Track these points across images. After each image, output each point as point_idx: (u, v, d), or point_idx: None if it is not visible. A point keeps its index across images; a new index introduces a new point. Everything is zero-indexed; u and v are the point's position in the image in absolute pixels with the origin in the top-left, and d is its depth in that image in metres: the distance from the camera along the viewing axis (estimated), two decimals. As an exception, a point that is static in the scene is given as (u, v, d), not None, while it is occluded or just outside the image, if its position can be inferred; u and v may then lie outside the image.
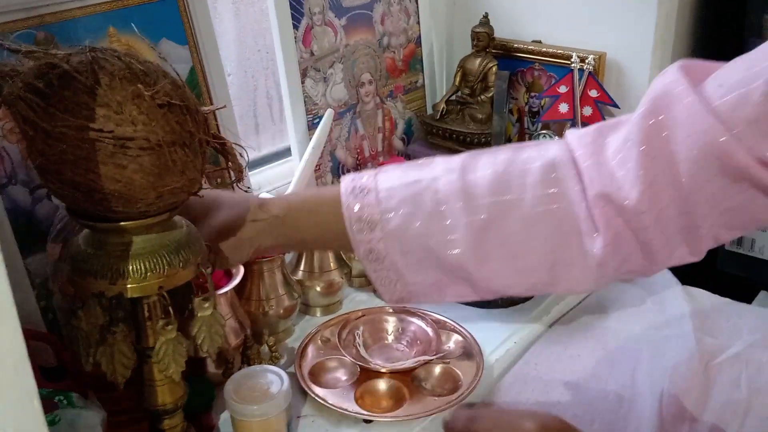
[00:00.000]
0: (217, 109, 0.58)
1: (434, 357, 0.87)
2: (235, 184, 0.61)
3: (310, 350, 0.91)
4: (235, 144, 0.59)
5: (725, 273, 1.22)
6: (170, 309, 0.60)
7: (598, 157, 0.63)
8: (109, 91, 0.51)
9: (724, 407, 0.83)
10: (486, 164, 0.66)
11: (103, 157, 0.51)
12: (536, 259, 0.64)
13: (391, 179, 0.67)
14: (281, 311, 0.92)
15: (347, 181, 0.68)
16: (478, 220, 0.64)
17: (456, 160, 0.67)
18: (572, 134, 0.66)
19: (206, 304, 0.62)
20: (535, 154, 0.66)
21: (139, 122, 0.51)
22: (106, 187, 0.52)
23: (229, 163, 0.62)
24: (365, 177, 0.68)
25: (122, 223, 0.55)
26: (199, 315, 0.62)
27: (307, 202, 0.72)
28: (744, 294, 1.16)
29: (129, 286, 0.57)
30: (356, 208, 0.66)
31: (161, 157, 0.52)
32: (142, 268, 0.57)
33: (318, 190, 0.73)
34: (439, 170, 0.66)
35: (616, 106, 1.15)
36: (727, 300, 1.05)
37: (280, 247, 0.75)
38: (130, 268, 0.56)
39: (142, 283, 0.57)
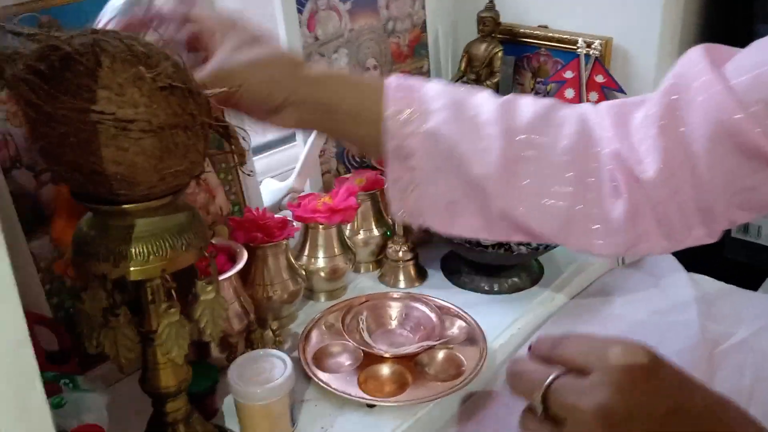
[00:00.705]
0: (219, 92, 0.58)
1: (437, 342, 0.87)
2: (238, 168, 0.61)
3: (314, 335, 0.91)
4: (239, 127, 0.59)
5: (731, 260, 1.21)
6: (173, 292, 0.60)
7: (623, 128, 0.65)
8: (111, 73, 0.51)
9: (728, 394, 0.83)
10: (528, 104, 0.67)
11: (105, 139, 0.51)
12: (556, 205, 0.65)
13: (438, 88, 0.66)
14: (285, 296, 0.92)
15: (394, 77, 0.67)
16: (510, 150, 0.64)
17: (499, 97, 0.68)
18: (603, 104, 0.69)
19: (209, 288, 0.62)
20: (572, 112, 0.67)
21: (140, 104, 0.51)
22: (108, 170, 0.52)
23: (232, 146, 0.62)
24: (413, 79, 0.67)
25: (125, 206, 0.55)
26: (202, 298, 0.62)
27: (351, 77, 0.70)
28: (750, 281, 1.16)
29: (132, 268, 0.57)
30: (398, 98, 0.65)
31: (163, 140, 0.52)
32: (145, 250, 0.57)
33: (361, 76, 0.70)
34: (484, 96, 0.67)
35: (622, 91, 1.14)
36: (733, 287, 1.05)
37: (308, 111, 0.66)
38: (133, 250, 0.56)
39: (145, 266, 0.57)
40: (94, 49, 0.51)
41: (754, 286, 1.20)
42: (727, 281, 1.06)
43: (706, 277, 1.06)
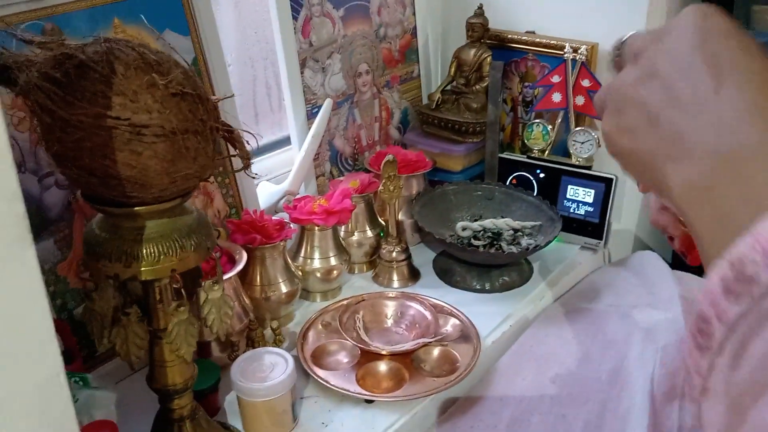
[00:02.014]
0: (225, 98, 0.60)
1: (433, 339, 0.90)
2: (244, 171, 0.63)
3: (312, 334, 0.93)
4: (245, 131, 0.61)
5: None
6: (182, 291, 0.62)
7: None
8: (125, 81, 0.53)
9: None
10: None
11: (120, 144, 0.53)
12: None
13: None
14: (283, 296, 0.95)
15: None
16: None
17: None
18: None
19: (216, 287, 0.64)
20: None
21: (154, 110, 0.53)
22: (122, 173, 0.54)
23: (237, 150, 0.64)
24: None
25: (136, 208, 0.57)
26: (209, 297, 0.64)
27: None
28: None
29: (143, 269, 0.59)
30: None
31: (175, 144, 0.54)
32: (156, 251, 0.59)
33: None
34: None
35: (608, 95, 1.17)
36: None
37: None
38: (144, 251, 0.58)
39: (156, 266, 0.59)
40: (108, 57, 0.54)
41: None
42: (710, 278, 1.09)
43: (691, 275, 1.09)
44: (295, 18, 1.06)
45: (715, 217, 0.38)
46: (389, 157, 1.03)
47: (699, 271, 1.00)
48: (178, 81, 0.54)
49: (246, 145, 0.64)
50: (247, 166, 0.64)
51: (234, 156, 0.63)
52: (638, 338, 0.94)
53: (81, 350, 0.82)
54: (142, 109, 0.53)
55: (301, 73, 1.08)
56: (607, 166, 1.21)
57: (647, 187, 0.46)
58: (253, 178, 0.65)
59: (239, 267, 0.87)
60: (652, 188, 0.43)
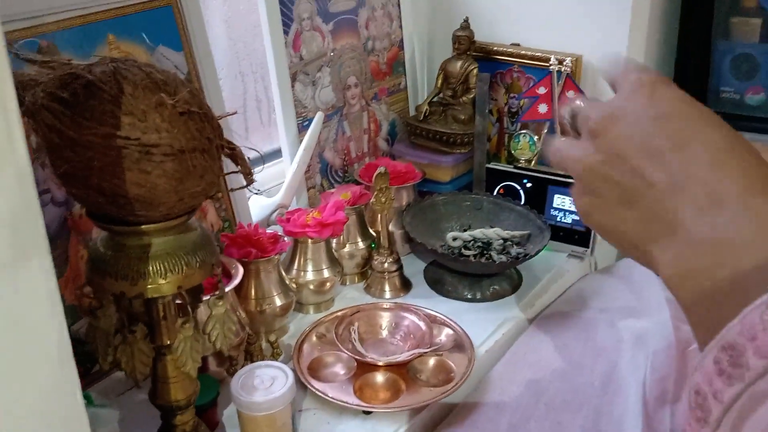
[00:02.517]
0: (229, 115, 0.61)
1: (428, 350, 0.91)
2: (247, 189, 0.63)
3: (307, 346, 0.94)
4: (246, 147, 0.62)
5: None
6: (188, 308, 0.62)
7: None
8: (133, 100, 0.54)
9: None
10: None
11: (129, 163, 0.53)
12: None
13: None
14: (277, 309, 0.95)
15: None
16: None
17: None
18: None
19: (220, 303, 0.65)
20: None
21: (162, 130, 0.54)
22: (130, 192, 0.54)
23: (239, 167, 0.64)
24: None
25: (143, 227, 0.58)
26: (213, 313, 0.65)
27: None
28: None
29: (149, 286, 0.59)
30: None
31: (183, 163, 0.55)
32: (162, 268, 0.59)
33: None
34: None
35: (592, 106, 1.20)
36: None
37: None
38: (151, 269, 0.59)
39: (162, 284, 0.59)
40: (115, 77, 0.54)
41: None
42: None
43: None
44: (285, 32, 1.07)
45: (703, 298, 0.40)
46: (381, 169, 1.04)
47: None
48: (185, 100, 0.55)
49: (247, 161, 0.65)
50: (250, 182, 0.64)
51: (235, 173, 0.64)
52: (628, 344, 0.96)
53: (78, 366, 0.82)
54: (152, 128, 0.53)
55: (292, 86, 1.09)
56: (592, 175, 1.23)
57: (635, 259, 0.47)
58: (256, 193, 0.66)
59: (236, 281, 0.87)
60: (640, 262, 0.45)
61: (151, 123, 0.54)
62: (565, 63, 1.18)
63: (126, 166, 0.53)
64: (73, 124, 0.53)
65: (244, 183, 0.64)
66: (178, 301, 0.65)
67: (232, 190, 0.72)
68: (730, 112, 1.27)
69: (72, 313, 0.82)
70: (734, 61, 1.25)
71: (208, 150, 0.57)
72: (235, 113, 0.61)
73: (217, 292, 0.65)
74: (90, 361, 0.83)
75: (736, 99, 1.26)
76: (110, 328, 0.64)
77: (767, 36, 1.21)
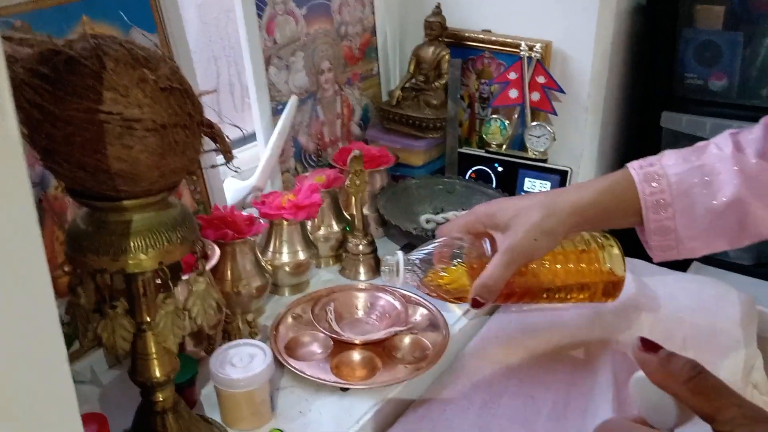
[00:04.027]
0: (208, 93, 0.61)
1: (404, 328, 0.92)
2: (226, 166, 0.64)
3: (284, 327, 0.95)
4: (231, 123, 0.63)
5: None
6: (170, 283, 0.63)
7: None
8: (115, 76, 0.54)
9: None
10: (750, 143, 0.78)
11: (111, 138, 0.54)
12: None
13: (676, 165, 0.79)
14: (253, 291, 0.96)
15: (636, 168, 0.81)
16: (748, 179, 0.76)
17: (726, 143, 0.79)
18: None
19: (200, 279, 0.66)
20: None
21: (144, 105, 0.54)
22: (112, 167, 0.55)
23: (218, 145, 0.65)
24: (655, 165, 0.80)
25: (124, 202, 0.58)
26: (194, 289, 0.65)
27: (601, 202, 0.82)
28: (678, 265, 1.26)
29: (131, 261, 0.59)
30: (649, 192, 0.79)
31: (165, 138, 0.56)
32: (143, 244, 0.60)
33: (606, 184, 0.82)
34: (714, 152, 0.79)
35: (562, 91, 1.23)
36: (665, 269, 1.14)
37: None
38: (132, 244, 0.59)
39: (144, 259, 0.60)
40: (97, 53, 0.54)
41: (683, 268, 1.31)
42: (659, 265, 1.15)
43: (642, 261, 1.15)
44: (259, 16, 1.07)
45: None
46: (356, 152, 1.05)
47: (649, 258, 1.06)
48: (167, 76, 0.56)
49: (226, 139, 0.66)
50: (229, 159, 0.65)
51: (214, 151, 0.65)
52: (597, 321, 0.98)
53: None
54: (134, 103, 0.54)
55: (266, 70, 1.09)
56: (562, 159, 1.26)
57: None
58: (235, 171, 0.67)
59: (213, 262, 0.88)
60: None
61: (133, 98, 0.54)
62: (535, 49, 1.20)
63: (108, 141, 0.54)
64: (54, 99, 0.53)
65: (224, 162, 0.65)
66: (158, 281, 0.65)
67: (213, 166, 0.72)
68: (695, 97, 1.31)
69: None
70: (698, 47, 1.28)
71: (189, 126, 0.58)
72: (214, 91, 0.62)
73: (197, 269, 0.66)
74: (67, 342, 0.83)
75: (699, 85, 1.30)
76: (91, 305, 0.64)
77: (730, 23, 1.25)
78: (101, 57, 0.54)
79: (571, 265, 0.88)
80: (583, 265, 0.89)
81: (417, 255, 0.87)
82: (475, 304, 0.81)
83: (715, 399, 0.47)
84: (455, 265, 0.85)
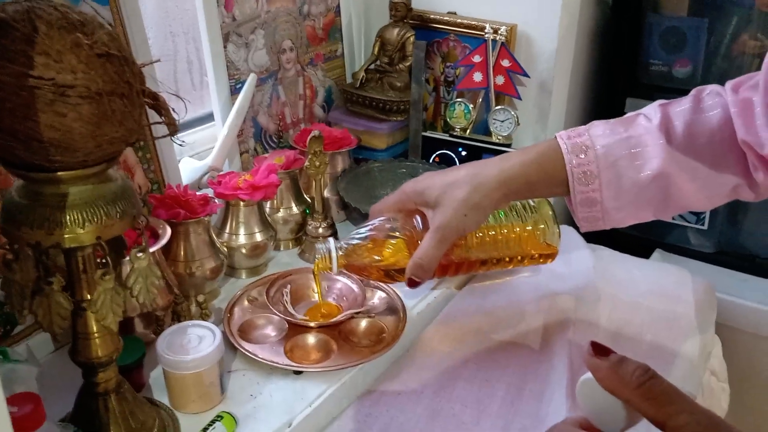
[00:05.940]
0: (151, 63, 0.59)
1: (360, 311, 0.91)
2: (170, 138, 0.62)
3: (238, 309, 0.93)
4: (178, 96, 0.60)
5: (624, 233, 1.31)
6: (108, 259, 0.61)
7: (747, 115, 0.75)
8: (48, 40, 0.51)
9: (625, 345, 0.92)
10: (678, 115, 0.78)
11: (43, 105, 0.51)
12: (723, 180, 0.77)
13: (604, 136, 0.78)
14: (207, 272, 0.94)
15: (565, 138, 0.79)
16: (674, 152, 0.76)
17: (655, 115, 0.78)
18: (728, 89, 0.77)
19: (142, 255, 0.64)
20: (713, 104, 0.78)
21: (78, 71, 0.52)
22: (45, 135, 0.52)
23: (162, 117, 0.63)
24: (583, 136, 0.79)
25: (59, 173, 0.56)
26: (135, 266, 0.63)
27: (527, 174, 0.80)
28: (641, 252, 1.26)
29: (66, 236, 0.57)
30: (576, 164, 0.77)
31: (100, 106, 0.53)
32: (80, 218, 0.57)
33: (532, 156, 0.80)
34: (642, 124, 0.78)
35: (526, 75, 1.22)
36: (627, 255, 1.14)
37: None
38: (68, 218, 0.57)
39: (80, 234, 0.58)
40: (29, 16, 0.52)
41: (645, 255, 1.31)
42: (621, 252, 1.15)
43: (604, 248, 1.15)
44: (218, -9, 1.05)
45: None
46: (315, 132, 1.03)
47: (612, 245, 1.06)
48: (103, 42, 0.53)
49: (172, 112, 0.63)
50: (173, 132, 0.63)
51: (159, 123, 0.62)
52: (554, 307, 0.98)
53: (-2, 327, 0.79)
54: (67, 69, 0.52)
55: (224, 47, 1.07)
56: (526, 143, 1.25)
57: None
58: (181, 145, 0.64)
59: (163, 241, 0.85)
60: None
61: (67, 64, 0.52)
62: (499, 32, 1.19)
63: (39, 108, 0.51)
64: (-17, 63, 0.51)
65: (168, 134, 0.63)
66: (103, 260, 0.63)
67: (157, 138, 0.70)
68: (659, 84, 1.30)
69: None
70: (663, 33, 1.28)
71: (127, 95, 0.55)
72: (158, 60, 0.59)
73: (139, 245, 0.64)
74: (11, 323, 0.81)
75: (664, 71, 1.30)
76: (28, 282, 0.62)
77: (695, 9, 1.25)
78: (33, 20, 0.52)
79: (505, 232, 0.89)
80: (517, 230, 0.90)
81: (349, 240, 0.86)
82: (411, 283, 0.80)
83: (666, 404, 0.45)
84: (390, 248, 0.84)
